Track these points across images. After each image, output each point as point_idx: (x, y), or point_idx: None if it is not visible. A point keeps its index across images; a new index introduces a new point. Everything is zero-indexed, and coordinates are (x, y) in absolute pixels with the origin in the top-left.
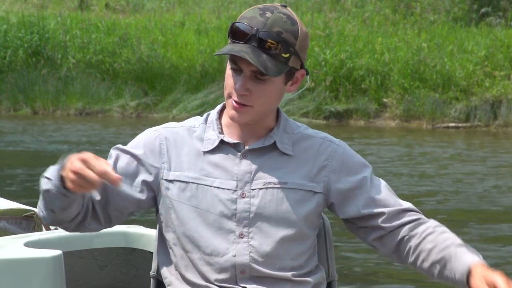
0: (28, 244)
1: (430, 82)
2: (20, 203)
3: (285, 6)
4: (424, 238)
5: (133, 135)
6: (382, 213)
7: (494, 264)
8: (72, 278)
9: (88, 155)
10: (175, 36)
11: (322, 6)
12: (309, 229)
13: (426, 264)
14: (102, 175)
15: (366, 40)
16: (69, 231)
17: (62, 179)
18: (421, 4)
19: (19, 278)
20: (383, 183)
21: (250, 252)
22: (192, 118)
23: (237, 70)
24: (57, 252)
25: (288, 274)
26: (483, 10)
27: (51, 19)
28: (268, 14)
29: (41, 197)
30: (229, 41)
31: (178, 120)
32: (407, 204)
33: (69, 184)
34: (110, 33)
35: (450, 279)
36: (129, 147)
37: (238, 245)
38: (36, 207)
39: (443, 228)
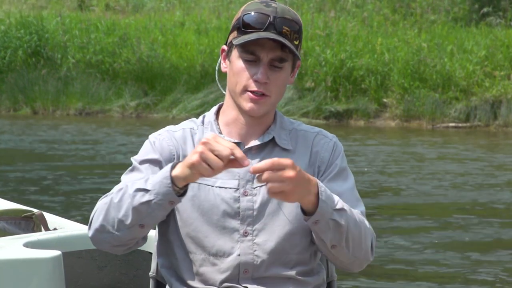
0: (27, 245)
1: (430, 82)
2: (19, 203)
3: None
4: None
5: (133, 135)
6: None
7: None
8: (71, 278)
9: (207, 140)
10: (175, 36)
11: (322, 6)
12: None
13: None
14: (231, 152)
15: (366, 40)
16: (120, 253)
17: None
18: (421, 4)
19: (19, 278)
20: (351, 182)
21: (255, 250)
22: (188, 120)
23: (252, 61)
24: (57, 252)
25: (292, 271)
26: (483, 10)
27: (51, 19)
28: (274, 4)
29: (120, 215)
30: (236, 34)
31: (178, 120)
32: (360, 208)
33: (193, 158)
34: (110, 33)
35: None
36: (143, 155)
37: (242, 244)
38: (34, 207)
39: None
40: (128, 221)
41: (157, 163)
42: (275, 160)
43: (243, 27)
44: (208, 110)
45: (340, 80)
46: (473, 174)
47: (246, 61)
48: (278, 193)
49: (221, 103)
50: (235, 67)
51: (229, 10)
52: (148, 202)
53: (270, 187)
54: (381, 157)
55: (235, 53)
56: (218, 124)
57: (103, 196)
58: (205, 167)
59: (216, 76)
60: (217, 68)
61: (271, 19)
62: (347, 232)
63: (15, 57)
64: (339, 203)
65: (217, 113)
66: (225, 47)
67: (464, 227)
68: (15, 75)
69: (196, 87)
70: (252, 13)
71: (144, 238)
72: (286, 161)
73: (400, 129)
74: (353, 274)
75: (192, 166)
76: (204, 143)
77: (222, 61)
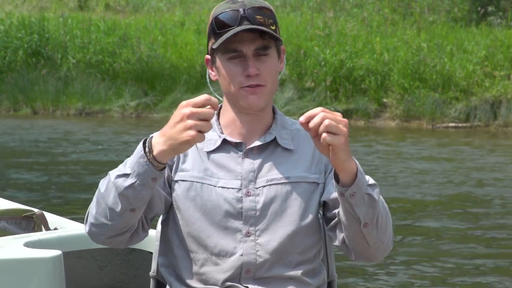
0: (28, 244)
1: (430, 82)
2: (20, 203)
3: None
4: None
5: (133, 135)
6: (336, 202)
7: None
8: (71, 278)
9: (183, 104)
10: (175, 36)
11: (322, 6)
12: (316, 221)
13: (342, 222)
14: (207, 102)
15: (365, 40)
16: (122, 246)
17: (153, 159)
18: (421, 4)
19: (19, 278)
20: None
21: (257, 250)
22: None
23: (236, 58)
24: (57, 252)
25: (293, 272)
26: (483, 10)
27: (52, 19)
28: (239, 0)
29: (109, 204)
30: (214, 39)
31: None
32: None
33: (188, 135)
34: (110, 33)
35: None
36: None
37: (245, 244)
38: (34, 207)
39: None
40: (118, 208)
41: None
42: (327, 110)
43: (217, 29)
44: None
45: (340, 80)
46: (473, 174)
47: (231, 61)
48: (330, 145)
49: (221, 104)
50: (223, 71)
51: None
52: (131, 185)
53: (325, 136)
54: (381, 157)
55: (219, 57)
56: (219, 124)
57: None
58: (202, 136)
59: (210, 87)
60: (208, 80)
61: (242, 13)
62: (378, 209)
63: (15, 57)
64: (370, 178)
65: (218, 113)
66: (208, 56)
67: (464, 227)
68: (15, 75)
69: (196, 87)
70: (222, 13)
71: (145, 231)
72: (338, 114)
73: (400, 129)
74: (353, 274)
75: (187, 143)
76: (190, 115)
77: (209, 71)
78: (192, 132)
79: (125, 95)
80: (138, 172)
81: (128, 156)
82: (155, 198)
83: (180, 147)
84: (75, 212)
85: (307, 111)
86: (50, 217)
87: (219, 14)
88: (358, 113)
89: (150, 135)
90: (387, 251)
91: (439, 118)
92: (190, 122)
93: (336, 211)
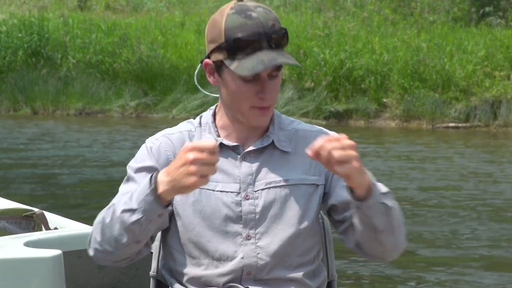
0: (27, 244)
1: (430, 82)
2: (20, 203)
3: (242, 0)
4: None
5: (133, 135)
6: (346, 204)
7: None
8: (71, 278)
9: (187, 148)
10: (175, 36)
11: (322, 6)
12: (316, 223)
13: (357, 227)
14: (214, 150)
15: (365, 40)
16: (123, 265)
17: (157, 198)
18: (421, 4)
19: (19, 278)
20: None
21: (258, 253)
22: (185, 121)
23: (251, 80)
24: (57, 252)
25: (294, 273)
26: (483, 10)
27: (52, 19)
28: (254, 14)
29: (114, 235)
30: (228, 56)
31: (178, 120)
32: None
33: (190, 181)
34: (110, 33)
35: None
36: (139, 163)
37: (245, 247)
38: (35, 207)
39: None
40: (124, 241)
41: (153, 171)
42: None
43: (236, 49)
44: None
45: (339, 80)
46: (473, 173)
47: (245, 81)
48: (348, 170)
49: (217, 103)
50: (234, 88)
51: None
52: (138, 221)
53: (338, 171)
54: (381, 157)
55: (229, 73)
56: (216, 126)
57: (101, 211)
58: (205, 180)
59: (201, 89)
60: (195, 79)
61: (262, 35)
62: (394, 214)
63: (15, 57)
64: (383, 186)
65: (214, 115)
66: (208, 61)
67: (464, 226)
68: (15, 75)
69: (196, 87)
70: (240, 34)
71: (148, 247)
72: (343, 137)
73: (400, 129)
74: (352, 274)
75: (189, 188)
76: (193, 161)
77: (208, 76)
78: (194, 178)
79: (125, 95)
80: (144, 208)
81: (129, 155)
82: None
83: (183, 190)
84: (76, 211)
85: (307, 111)
86: (50, 217)
87: (236, 35)
88: (358, 113)
89: (157, 172)
90: (402, 249)
91: (439, 118)
92: (193, 168)
93: (346, 214)
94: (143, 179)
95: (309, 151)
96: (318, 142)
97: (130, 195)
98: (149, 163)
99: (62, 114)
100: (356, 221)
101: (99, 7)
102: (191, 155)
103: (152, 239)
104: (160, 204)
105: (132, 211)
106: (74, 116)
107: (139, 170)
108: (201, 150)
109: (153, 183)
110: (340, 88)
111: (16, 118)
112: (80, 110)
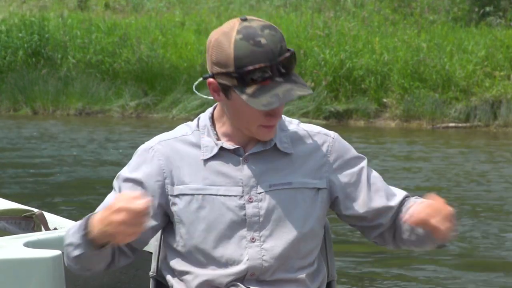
0: (27, 244)
1: (430, 82)
2: (19, 203)
3: (246, 19)
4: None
5: (133, 135)
6: (379, 212)
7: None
8: (71, 278)
9: (114, 204)
10: (175, 36)
11: (322, 6)
12: (318, 226)
13: (410, 237)
14: (144, 214)
15: (365, 40)
16: (100, 273)
17: (90, 242)
18: (421, 4)
19: (19, 278)
20: (377, 175)
21: (263, 255)
22: (182, 125)
23: None
24: (57, 252)
25: (296, 275)
26: (483, 10)
27: (53, 19)
28: (262, 40)
29: (75, 261)
30: (237, 83)
31: (178, 120)
32: (399, 194)
33: (117, 237)
34: (110, 33)
35: (422, 236)
36: (128, 173)
37: (251, 250)
38: (35, 207)
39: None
40: (84, 265)
41: (139, 184)
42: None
43: (247, 81)
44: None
45: (339, 80)
46: (473, 173)
47: None
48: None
49: (215, 104)
50: (241, 110)
51: (229, 10)
52: (79, 256)
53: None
54: (381, 157)
55: (237, 96)
56: (215, 129)
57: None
58: (134, 236)
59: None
60: (194, 88)
61: (274, 61)
62: None
63: (16, 57)
64: None
65: (212, 117)
66: (213, 81)
67: (464, 226)
68: (15, 75)
69: (196, 87)
70: (251, 67)
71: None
72: (448, 210)
73: (400, 129)
74: (352, 275)
75: (120, 241)
76: (120, 222)
77: (213, 94)
78: (121, 236)
79: (125, 95)
80: (84, 244)
81: (128, 155)
82: (146, 232)
83: (114, 241)
84: (75, 212)
85: (307, 111)
86: (50, 217)
87: (248, 66)
88: (358, 113)
89: (94, 212)
90: None
91: (439, 118)
92: (121, 228)
93: (380, 221)
94: (124, 191)
95: (413, 220)
96: (433, 219)
97: (79, 224)
98: (138, 175)
99: (62, 114)
100: (414, 237)
101: (99, 7)
102: (119, 217)
103: (130, 248)
104: (95, 245)
105: (73, 245)
106: (74, 116)
107: (127, 180)
108: (129, 212)
109: (87, 227)
110: (340, 88)
111: (16, 118)
112: (80, 110)
